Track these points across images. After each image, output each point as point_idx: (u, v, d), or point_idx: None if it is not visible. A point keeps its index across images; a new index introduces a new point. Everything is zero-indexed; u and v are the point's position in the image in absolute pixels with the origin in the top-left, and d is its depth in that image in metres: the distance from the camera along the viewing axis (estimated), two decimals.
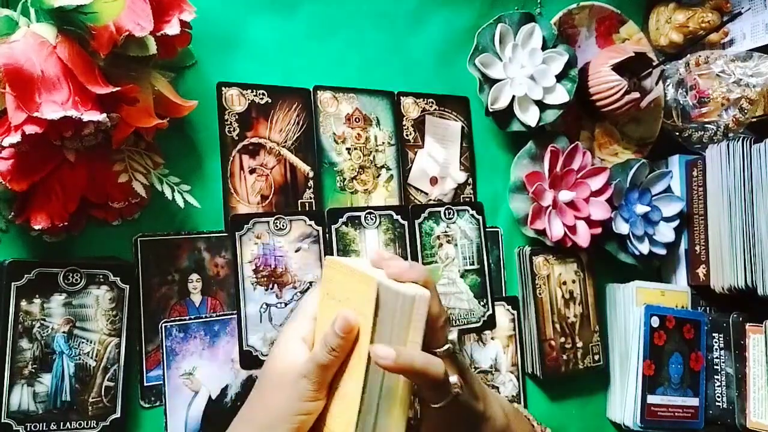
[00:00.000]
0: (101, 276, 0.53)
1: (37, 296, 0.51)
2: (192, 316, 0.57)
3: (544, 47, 0.70)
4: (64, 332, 0.52)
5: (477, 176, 0.72)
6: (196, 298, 0.58)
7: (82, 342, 0.52)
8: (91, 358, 0.52)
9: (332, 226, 0.63)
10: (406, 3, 0.70)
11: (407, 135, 0.68)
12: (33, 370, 0.50)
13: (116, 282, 0.54)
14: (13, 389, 0.49)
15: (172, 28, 0.49)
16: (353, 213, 0.64)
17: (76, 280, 0.52)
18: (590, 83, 0.74)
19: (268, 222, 0.60)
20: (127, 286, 0.54)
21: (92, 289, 0.53)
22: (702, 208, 0.77)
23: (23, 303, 0.50)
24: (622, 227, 0.74)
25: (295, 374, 0.45)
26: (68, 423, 0.51)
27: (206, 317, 0.58)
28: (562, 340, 0.72)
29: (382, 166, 0.67)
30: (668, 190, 0.78)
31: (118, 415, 0.53)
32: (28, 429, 0.50)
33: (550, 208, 0.71)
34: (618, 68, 0.71)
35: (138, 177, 0.51)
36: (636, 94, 0.72)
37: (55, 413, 0.51)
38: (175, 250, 0.57)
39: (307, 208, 0.63)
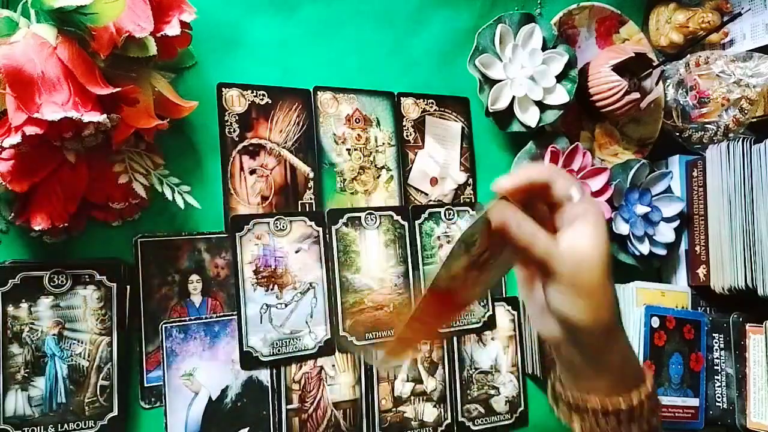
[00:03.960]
0: (87, 276, 0.53)
1: (23, 300, 0.51)
2: (192, 317, 0.57)
3: (544, 48, 0.70)
4: (54, 335, 0.52)
5: (477, 177, 0.72)
6: (197, 298, 0.58)
7: (73, 343, 0.52)
8: (84, 358, 0.52)
9: (332, 227, 0.63)
10: (407, 3, 0.70)
11: (407, 136, 0.68)
12: (26, 375, 0.50)
13: (102, 281, 0.54)
14: (7, 395, 0.50)
15: (172, 29, 0.49)
16: (353, 214, 0.64)
17: (62, 281, 0.52)
18: (590, 84, 0.74)
19: (268, 223, 0.60)
20: (114, 284, 0.54)
21: (79, 290, 0.53)
22: (702, 209, 0.77)
23: (10, 308, 0.50)
24: (622, 227, 0.74)
25: None
26: (65, 425, 0.51)
27: (206, 318, 0.58)
28: None
29: (383, 167, 0.67)
30: (668, 190, 0.78)
31: (115, 413, 0.53)
32: None
33: None
34: (618, 69, 0.71)
35: (138, 178, 0.51)
36: (636, 95, 0.71)
37: (51, 416, 0.51)
38: (176, 250, 0.57)
39: (308, 209, 0.63)
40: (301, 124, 0.63)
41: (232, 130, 0.61)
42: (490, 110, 0.69)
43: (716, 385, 0.76)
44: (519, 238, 0.40)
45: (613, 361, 0.45)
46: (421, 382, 0.66)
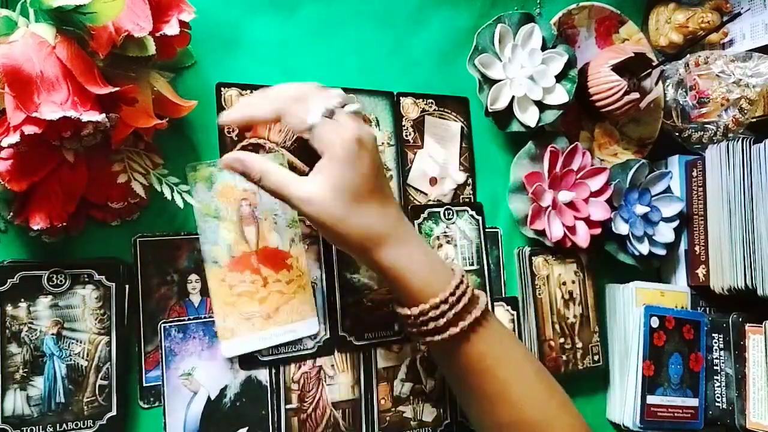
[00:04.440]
0: (86, 275, 0.53)
1: (22, 300, 0.51)
2: (191, 317, 0.57)
3: (543, 48, 0.70)
4: (53, 334, 0.52)
5: (476, 177, 0.72)
6: (195, 298, 0.58)
7: (72, 342, 0.52)
8: (83, 358, 0.52)
9: None
10: (406, 3, 0.70)
11: (407, 135, 0.68)
12: (24, 374, 0.50)
13: (101, 280, 0.54)
14: (6, 394, 0.50)
15: (172, 29, 0.49)
16: None
17: (61, 281, 0.52)
18: (590, 83, 0.74)
19: None
20: (113, 284, 0.54)
21: (78, 289, 0.53)
22: (702, 209, 0.77)
23: (9, 308, 0.50)
24: (621, 228, 0.74)
25: None
26: (64, 424, 0.51)
27: (205, 318, 0.58)
28: (562, 340, 0.72)
29: None
30: (668, 190, 0.78)
31: (114, 413, 0.53)
32: None
33: (550, 208, 0.71)
34: (618, 69, 0.71)
35: (137, 177, 0.51)
36: (636, 95, 0.71)
37: (50, 415, 0.51)
38: (175, 250, 0.57)
39: None
40: None
41: (231, 129, 0.60)
42: (490, 110, 0.69)
43: (716, 385, 0.76)
44: (267, 189, 0.48)
45: (389, 275, 0.49)
46: (420, 381, 0.66)
